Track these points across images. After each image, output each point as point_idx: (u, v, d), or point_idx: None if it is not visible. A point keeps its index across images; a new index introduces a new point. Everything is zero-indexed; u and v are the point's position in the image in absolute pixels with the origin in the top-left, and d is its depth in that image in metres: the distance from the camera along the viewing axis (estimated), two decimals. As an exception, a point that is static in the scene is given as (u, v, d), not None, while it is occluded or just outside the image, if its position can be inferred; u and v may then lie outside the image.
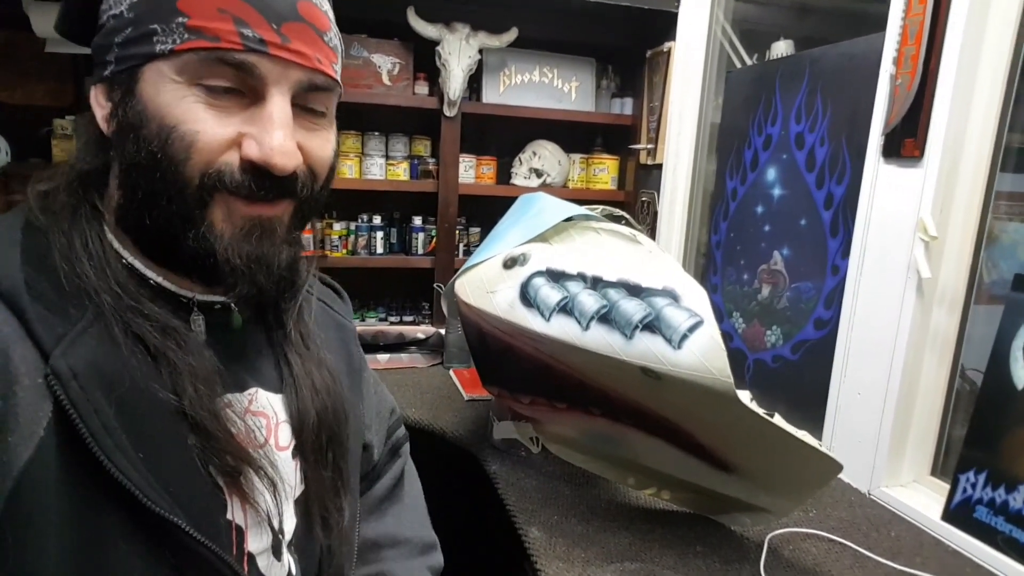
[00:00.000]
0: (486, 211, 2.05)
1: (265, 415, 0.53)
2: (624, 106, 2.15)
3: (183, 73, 0.44)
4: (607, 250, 0.93)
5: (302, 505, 0.54)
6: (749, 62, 1.75)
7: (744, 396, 0.77)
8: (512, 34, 1.89)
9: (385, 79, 1.93)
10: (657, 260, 0.88)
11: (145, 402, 0.43)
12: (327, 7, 0.50)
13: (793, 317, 1.42)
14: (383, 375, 1.73)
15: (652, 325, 0.81)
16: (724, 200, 1.69)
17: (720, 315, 1.66)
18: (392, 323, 2.08)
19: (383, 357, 1.82)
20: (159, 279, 0.48)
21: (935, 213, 1.03)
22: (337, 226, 2.02)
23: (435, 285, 2.01)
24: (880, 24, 1.13)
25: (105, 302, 0.44)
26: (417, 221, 2.06)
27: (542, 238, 1.02)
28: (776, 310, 1.48)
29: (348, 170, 1.96)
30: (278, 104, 0.46)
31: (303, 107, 0.49)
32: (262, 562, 0.50)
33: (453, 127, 1.95)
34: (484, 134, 2.13)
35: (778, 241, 1.48)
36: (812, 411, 1.29)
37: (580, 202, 1.97)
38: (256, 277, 0.47)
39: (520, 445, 1.23)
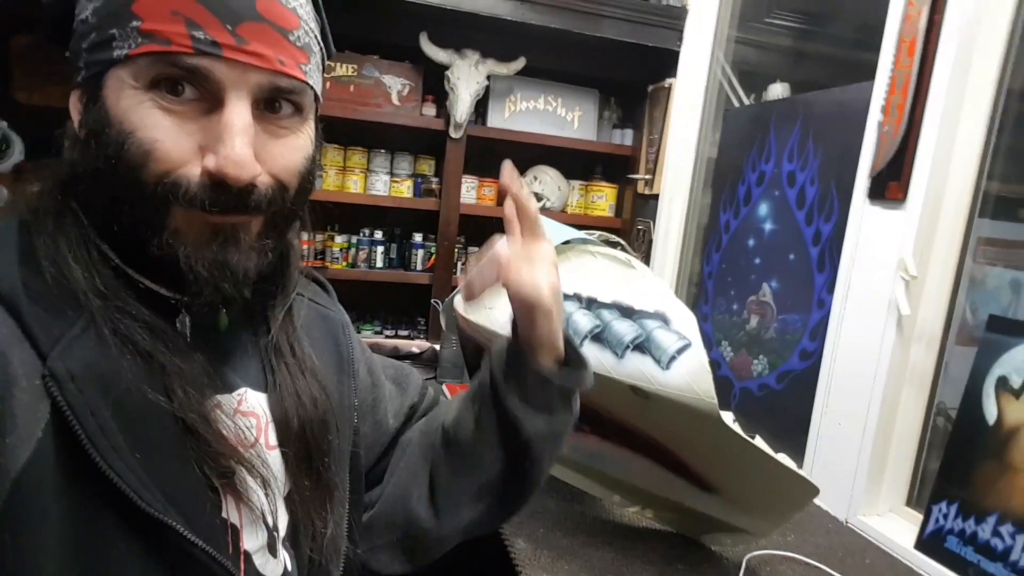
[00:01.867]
0: (486, 231, 2.09)
1: (255, 415, 0.53)
2: (624, 137, 2.21)
3: (139, 79, 0.43)
4: (602, 273, 0.97)
5: (292, 502, 0.54)
6: (746, 101, 1.82)
7: (727, 417, 0.81)
8: (520, 63, 1.96)
9: (395, 99, 1.99)
10: (650, 284, 0.92)
11: (141, 404, 0.43)
12: (297, 2, 0.47)
13: (779, 348, 1.47)
14: (377, 387, 1.75)
15: (642, 346, 0.85)
16: (717, 232, 1.75)
17: (709, 343, 1.70)
18: (388, 337, 2.11)
19: (378, 369, 1.84)
20: (145, 281, 0.47)
21: (916, 254, 1.08)
22: (339, 238, 2.06)
23: (432, 301, 2.05)
24: (870, 72, 1.20)
25: (93, 304, 0.43)
26: (417, 238, 2.11)
27: (541, 259, 1.06)
28: (763, 340, 1.52)
29: (353, 185, 2.01)
30: (236, 110, 0.43)
31: (271, 108, 0.47)
32: (258, 560, 0.50)
33: (458, 149, 2.01)
34: (487, 157, 2.18)
35: (767, 274, 1.53)
36: (794, 440, 1.32)
37: (578, 227, 2.02)
38: (220, 284, 0.46)
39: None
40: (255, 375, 0.55)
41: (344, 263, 2.07)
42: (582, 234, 1.14)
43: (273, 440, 0.53)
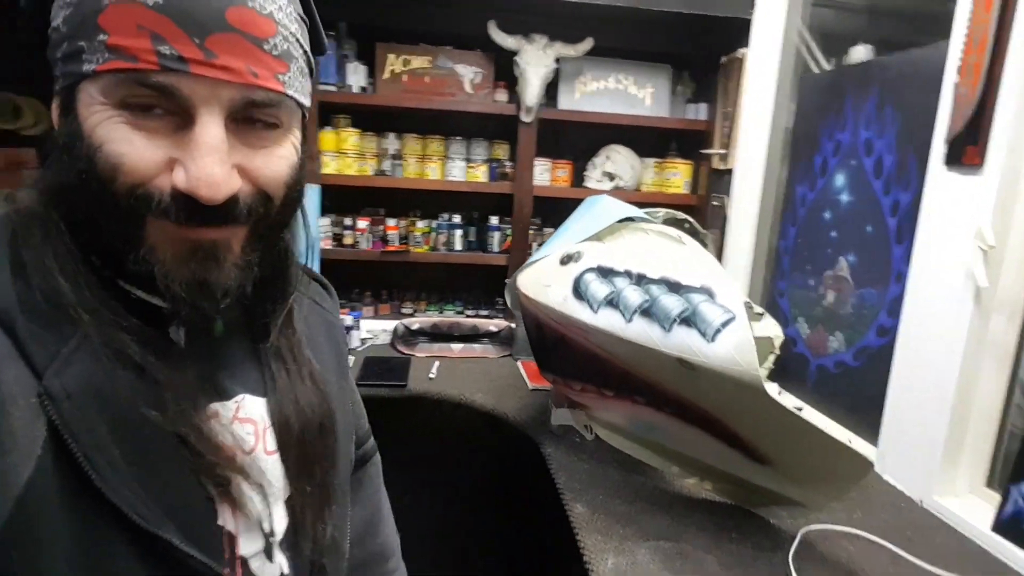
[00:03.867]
0: (559, 212, 2.14)
1: (253, 421, 0.53)
2: (699, 111, 2.18)
3: (107, 95, 0.41)
4: (653, 249, 1.00)
5: (292, 506, 0.54)
6: (826, 67, 1.75)
7: (772, 389, 0.83)
8: (588, 44, 1.97)
9: (468, 88, 2.06)
10: (698, 260, 0.94)
11: (137, 418, 0.43)
12: (276, 6, 0.45)
13: (856, 324, 1.42)
14: (455, 363, 1.86)
15: (689, 319, 0.87)
16: (793, 205, 1.70)
17: (785, 320, 1.67)
18: (468, 316, 2.21)
19: (456, 347, 1.95)
20: (136, 291, 0.46)
21: (994, 222, 1.03)
22: (420, 224, 2.17)
23: (507, 281, 2.12)
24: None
25: (84, 319, 0.42)
26: (494, 221, 2.18)
27: (597, 237, 1.10)
28: (840, 316, 1.48)
29: (431, 172, 2.12)
30: (207, 128, 0.42)
31: (249, 122, 0.45)
32: (255, 564, 0.50)
33: (529, 132, 2.06)
34: (560, 139, 2.22)
35: (844, 247, 1.48)
36: (871, 418, 1.29)
37: (652, 205, 2.04)
38: (199, 303, 0.45)
39: (575, 431, 1.31)
40: (254, 380, 0.54)
41: (426, 247, 2.18)
42: (641, 212, 1.17)
43: (272, 445, 0.53)
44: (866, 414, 1.32)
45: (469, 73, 2.05)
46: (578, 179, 2.24)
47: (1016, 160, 1.01)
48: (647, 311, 0.92)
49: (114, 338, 0.43)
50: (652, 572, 0.90)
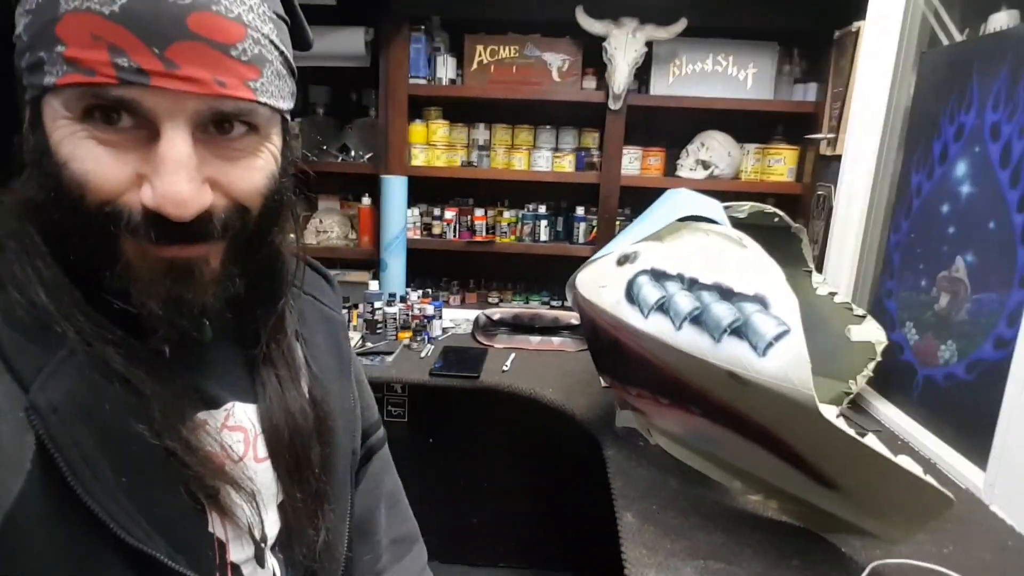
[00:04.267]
0: (648, 201, 2.06)
1: (243, 429, 0.52)
2: (807, 92, 2.00)
3: (70, 110, 0.40)
4: (710, 252, 0.93)
5: (285, 511, 0.54)
6: (959, 37, 1.53)
7: (830, 412, 0.75)
8: (680, 25, 1.87)
9: (555, 75, 2.03)
10: (756, 265, 0.87)
11: (124, 430, 0.43)
12: (244, 7, 0.42)
13: (971, 332, 1.25)
14: (532, 356, 1.86)
15: (740, 330, 0.81)
16: (907, 196, 1.52)
17: (892, 323, 1.51)
18: (553, 307, 2.20)
19: (534, 339, 1.94)
20: (118, 301, 0.44)
21: None
22: (507, 214, 2.18)
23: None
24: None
25: (68, 332, 0.42)
26: (580, 211, 2.15)
27: (657, 237, 1.05)
28: (953, 323, 1.31)
29: (517, 162, 2.11)
30: (172, 142, 0.40)
31: (222, 133, 0.43)
32: (246, 570, 0.50)
33: (617, 120, 1.99)
34: (651, 126, 2.13)
35: (962, 246, 1.31)
36: (983, 440, 1.14)
37: (751, 194, 1.90)
38: (176, 321, 0.44)
39: (638, 435, 1.27)
40: (244, 387, 0.54)
41: (512, 237, 2.18)
42: (721, 207, 1.10)
43: (263, 452, 0.53)
44: (977, 435, 1.16)
45: (556, 61, 2.01)
46: (671, 168, 2.14)
47: None
48: (697, 319, 0.86)
49: (99, 351, 0.43)
50: (693, 591, 0.85)
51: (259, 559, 0.51)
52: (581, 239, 2.14)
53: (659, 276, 0.94)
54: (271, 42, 0.44)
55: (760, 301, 0.80)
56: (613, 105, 1.95)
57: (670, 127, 2.13)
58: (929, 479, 0.74)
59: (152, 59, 0.39)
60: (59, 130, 0.41)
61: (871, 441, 0.75)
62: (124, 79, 0.39)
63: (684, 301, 0.88)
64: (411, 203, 2.14)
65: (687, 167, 2.08)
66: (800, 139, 2.04)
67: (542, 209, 2.16)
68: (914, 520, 0.83)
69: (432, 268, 2.30)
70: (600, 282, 1.06)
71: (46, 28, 0.39)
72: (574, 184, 2.13)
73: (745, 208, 1.36)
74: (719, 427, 0.96)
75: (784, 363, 0.76)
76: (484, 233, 2.18)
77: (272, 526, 0.53)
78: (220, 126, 0.43)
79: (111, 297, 0.44)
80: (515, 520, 2.11)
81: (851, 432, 0.74)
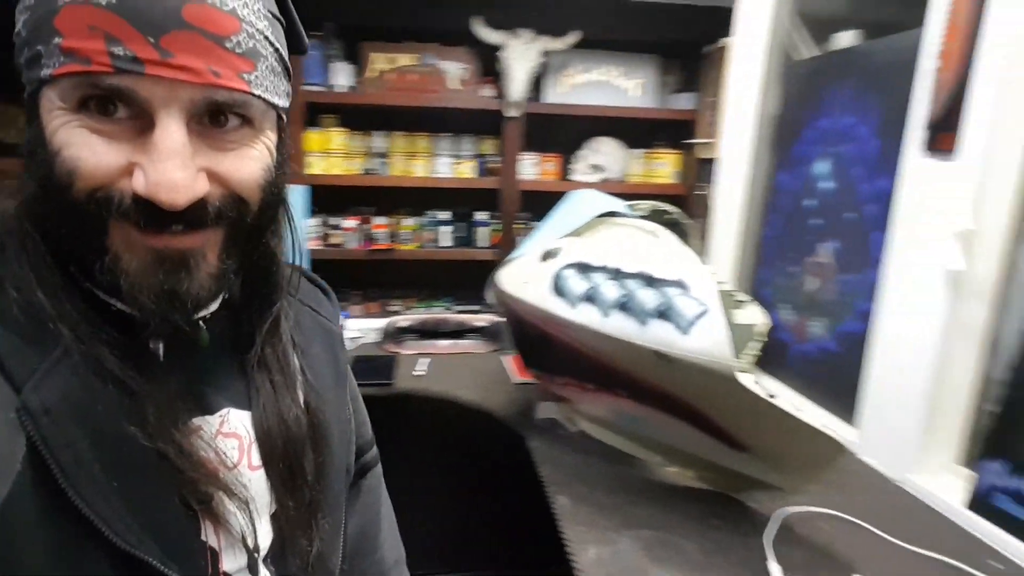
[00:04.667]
0: (547, 206, 2.15)
1: (237, 436, 0.52)
2: (688, 101, 2.18)
3: (66, 100, 0.40)
4: (629, 244, 1.01)
5: (278, 520, 0.54)
6: (812, 53, 1.75)
7: (747, 379, 0.84)
8: (574, 36, 1.98)
9: (455, 84, 2.07)
10: (672, 253, 0.96)
11: (117, 433, 0.42)
12: (239, 3, 0.43)
13: (837, 310, 1.44)
14: (444, 360, 1.88)
15: (664, 313, 0.89)
16: (776, 194, 1.71)
17: (768, 307, 1.69)
18: (456, 312, 2.23)
19: (444, 343, 1.96)
20: (116, 302, 0.45)
21: (971, 206, 1.04)
22: (408, 221, 2.18)
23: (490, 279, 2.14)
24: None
25: (64, 332, 0.41)
26: (481, 216, 2.20)
27: (576, 233, 1.11)
28: (821, 302, 1.50)
29: (418, 169, 2.12)
30: (166, 130, 0.40)
31: (217, 125, 0.44)
32: None
33: (515, 127, 2.07)
34: (547, 132, 2.23)
35: (826, 235, 1.50)
36: (853, 401, 1.31)
37: (639, 196, 2.03)
38: (170, 315, 0.44)
39: (560, 425, 1.33)
40: (239, 393, 0.53)
41: (414, 244, 2.19)
42: (622, 205, 1.18)
43: (257, 460, 0.53)
44: (848, 398, 1.34)
45: (455, 69, 2.05)
46: (566, 172, 2.25)
47: (992, 146, 1.03)
48: (624, 305, 0.93)
49: (94, 351, 0.42)
50: (633, 560, 0.92)
51: (252, 569, 0.51)
52: (484, 243, 2.19)
53: (584, 269, 1.01)
54: (265, 38, 0.45)
55: (680, 285, 0.89)
56: (510, 113, 2.02)
57: (564, 134, 2.24)
58: (827, 429, 0.86)
59: (147, 48, 0.39)
60: (54, 120, 0.41)
61: (780, 402, 0.85)
62: (120, 68, 0.39)
63: (610, 290, 0.96)
64: (309, 214, 2.08)
65: (581, 171, 2.20)
66: (681, 144, 2.22)
67: (444, 215, 2.19)
68: (813, 469, 0.95)
69: (333, 279, 2.23)
70: (524, 278, 1.11)
71: (44, 21, 0.40)
72: (475, 190, 2.17)
73: (644, 206, 1.46)
74: (644, 406, 1.04)
75: (706, 339, 0.85)
76: (385, 241, 2.17)
77: (265, 536, 0.53)
78: (215, 118, 0.43)
79: (106, 296, 0.45)
80: (443, 524, 2.10)
81: (764, 395, 0.84)
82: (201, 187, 0.42)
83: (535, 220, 2.27)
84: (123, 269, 0.43)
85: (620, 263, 0.97)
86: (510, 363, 1.79)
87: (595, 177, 2.18)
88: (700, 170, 2.12)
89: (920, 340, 1.13)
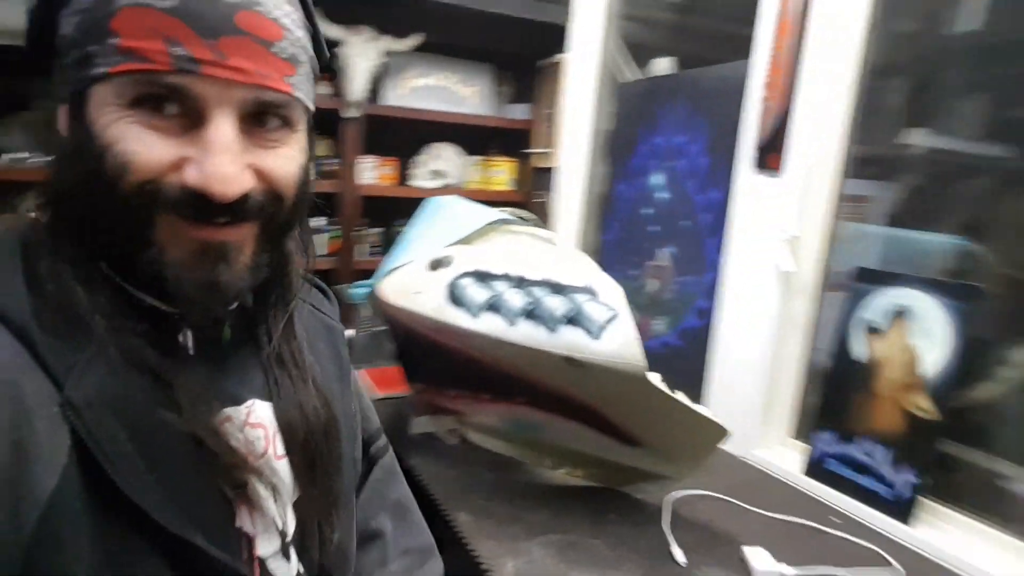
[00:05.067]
0: (388, 212, 2.08)
1: (263, 426, 0.54)
2: (521, 111, 2.26)
3: (121, 97, 0.43)
4: (527, 251, 1.02)
5: (300, 508, 0.56)
6: (636, 76, 1.92)
7: (655, 378, 0.89)
8: (416, 39, 1.94)
9: (283, 77, 1.90)
10: (574, 260, 0.98)
11: (153, 423, 0.44)
12: (282, 12, 0.47)
13: (678, 308, 1.60)
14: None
15: (574, 319, 0.91)
16: (614, 202, 1.85)
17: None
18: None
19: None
20: (146, 297, 0.47)
21: (796, 216, 1.22)
22: (233, 227, 1.97)
23: (337, 287, 2.01)
24: (745, 47, 1.32)
25: (100, 327, 0.43)
26: (317, 223, 2.05)
27: (465, 241, 1.09)
28: (663, 302, 1.65)
29: (245, 169, 1.92)
30: (219, 127, 0.43)
31: (260, 123, 0.47)
32: (272, 564, 0.52)
33: (355, 128, 1.97)
34: (385, 135, 2.16)
35: (664, 240, 1.65)
36: (696, 389, 1.46)
37: (481, 203, 2.04)
38: (211, 306, 0.47)
39: (435, 439, 1.29)
40: (260, 385, 0.56)
41: (240, 252, 1.98)
42: (505, 213, 1.18)
43: (280, 450, 0.55)
44: (694, 386, 1.49)
45: (284, 62, 1.89)
46: (404, 177, 2.19)
47: (811, 165, 1.21)
48: (531, 313, 0.93)
49: (130, 344, 0.44)
50: (551, 567, 0.92)
51: (284, 554, 0.53)
52: (319, 252, 2.05)
53: (484, 277, 0.99)
54: (303, 46, 0.49)
55: (589, 292, 0.91)
56: (349, 113, 1.92)
57: (402, 138, 2.19)
58: (715, 417, 0.94)
59: (204, 49, 0.42)
60: (106, 116, 0.43)
61: (680, 396, 0.92)
62: (179, 67, 0.42)
63: (515, 298, 0.95)
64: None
65: (421, 177, 2.17)
66: (516, 152, 2.29)
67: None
68: (699, 456, 1.05)
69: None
70: (414, 288, 1.05)
71: (100, 23, 0.42)
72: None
73: (508, 212, 1.49)
74: (542, 411, 1.05)
75: (616, 343, 0.88)
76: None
77: (290, 523, 0.55)
78: (258, 118, 0.47)
79: (135, 291, 0.47)
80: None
81: (668, 392, 0.90)
82: (248, 181, 0.45)
83: (375, 226, 2.18)
84: (168, 261, 0.45)
85: (523, 271, 0.97)
86: (366, 378, 1.69)
87: (436, 183, 2.16)
88: (537, 178, 2.21)
89: (756, 333, 1.29)
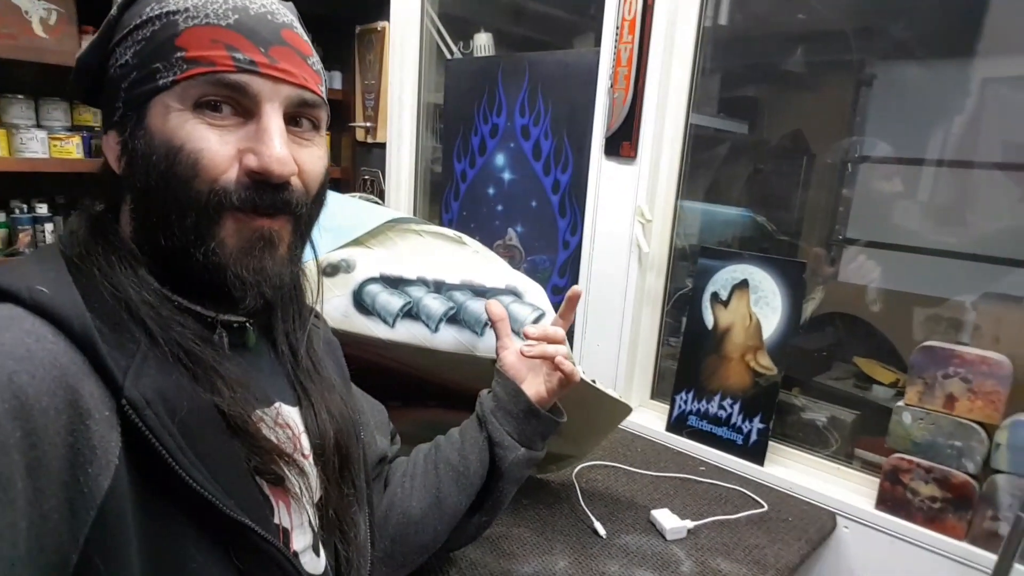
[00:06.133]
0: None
1: (290, 427, 0.57)
2: (333, 80, 2.09)
3: (185, 100, 0.48)
4: (437, 253, 0.97)
5: (322, 507, 0.59)
6: (456, 51, 1.89)
7: (585, 375, 0.93)
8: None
9: (38, 29, 1.50)
10: (488, 261, 0.96)
11: (200, 419, 0.46)
12: (308, 37, 0.55)
13: (531, 286, 1.66)
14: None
15: (500, 321, 0.90)
16: (454, 181, 1.83)
17: (460, 288, 1.82)
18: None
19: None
20: (183, 300, 0.51)
21: (648, 200, 1.34)
22: (-21, 219, 1.54)
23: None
24: (572, 30, 1.38)
25: (153, 328, 0.46)
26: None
27: (359, 243, 1.00)
28: (515, 280, 1.70)
29: (-8, 146, 1.50)
30: (272, 118, 0.49)
31: (295, 123, 0.52)
32: (305, 559, 0.55)
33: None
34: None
35: (512, 220, 1.69)
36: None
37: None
38: (263, 289, 0.50)
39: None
40: (283, 390, 0.59)
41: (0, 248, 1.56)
42: (398, 213, 1.10)
43: (305, 451, 0.58)
44: (552, 361, 1.58)
45: (39, 10, 1.49)
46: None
47: (658, 154, 1.33)
48: (454, 318, 0.90)
49: (180, 341, 0.47)
50: (495, 565, 0.93)
51: (315, 549, 0.56)
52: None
53: (395, 282, 0.93)
54: (321, 66, 0.56)
55: (514, 293, 0.91)
56: (137, 77, 1.60)
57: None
58: (622, 397, 1.02)
59: (260, 54, 0.49)
60: (172, 120, 0.47)
61: (600, 384, 0.97)
62: (240, 67, 0.48)
63: (435, 304, 0.91)
64: None
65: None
66: (330, 125, 2.13)
67: (42, 209, 1.61)
68: (603, 433, 1.12)
69: None
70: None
71: (165, 44, 0.48)
72: (86, 174, 1.66)
73: (356, 196, 1.39)
74: (455, 412, 1.03)
75: (546, 341, 0.90)
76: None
77: (315, 521, 0.57)
78: (294, 120, 0.52)
79: (177, 296, 0.50)
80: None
81: (589, 381, 0.95)
82: (294, 165, 0.50)
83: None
84: (228, 251, 0.49)
85: (439, 274, 0.93)
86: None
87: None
88: (362, 154, 2.09)
89: (618, 307, 1.41)
